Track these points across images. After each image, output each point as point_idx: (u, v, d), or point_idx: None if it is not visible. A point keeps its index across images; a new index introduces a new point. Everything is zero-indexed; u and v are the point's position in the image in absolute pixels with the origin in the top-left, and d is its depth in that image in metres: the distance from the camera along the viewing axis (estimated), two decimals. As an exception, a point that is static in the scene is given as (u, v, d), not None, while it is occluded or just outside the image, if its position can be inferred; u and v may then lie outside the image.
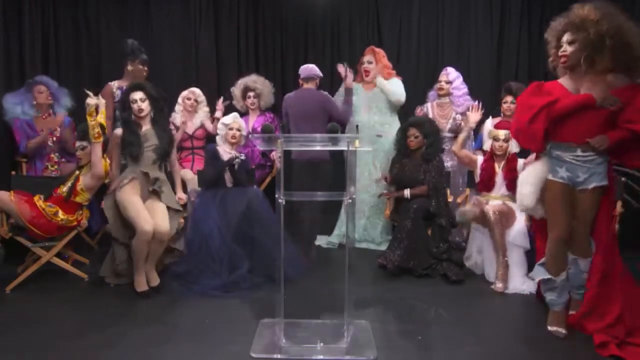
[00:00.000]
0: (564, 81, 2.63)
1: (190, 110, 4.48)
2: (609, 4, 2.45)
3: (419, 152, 3.98)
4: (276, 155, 4.00)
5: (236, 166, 3.68)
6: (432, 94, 4.59)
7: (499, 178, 3.61)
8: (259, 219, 3.55)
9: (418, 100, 4.65)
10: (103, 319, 2.84)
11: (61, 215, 3.41)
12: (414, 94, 4.72)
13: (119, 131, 3.45)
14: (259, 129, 4.61)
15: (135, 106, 3.40)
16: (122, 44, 4.33)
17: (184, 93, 4.50)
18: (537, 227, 2.95)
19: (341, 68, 4.31)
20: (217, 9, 5.10)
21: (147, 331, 2.68)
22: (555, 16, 2.63)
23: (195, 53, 5.09)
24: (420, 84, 4.89)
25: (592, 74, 2.51)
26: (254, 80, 4.74)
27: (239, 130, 3.79)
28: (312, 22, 5.17)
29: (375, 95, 4.55)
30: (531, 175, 2.78)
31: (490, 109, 4.23)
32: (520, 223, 3.45)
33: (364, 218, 4.57)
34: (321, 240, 4.61)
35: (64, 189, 3.46)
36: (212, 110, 4.62)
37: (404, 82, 4.61)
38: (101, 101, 3.70)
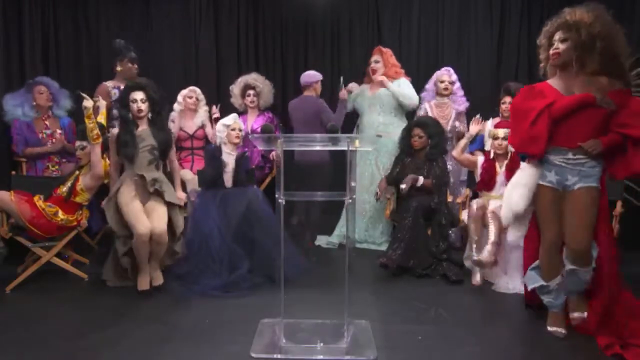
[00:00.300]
0: (554, 82, 2.59)
1: (192, 109, 4.48)
2: (602, 9, 2.45)
3: (422, 152, 3.99)
4: (276, 155, 4.00)
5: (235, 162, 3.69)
6: (428, 94, 4.57)
7: (500, 178, 3.61)
8: (259, 219, 3.55)
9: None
10: (103, 319, 2.84)
11: (61, 215, 3.41)
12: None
13: (115, 130, 3.44)
14: (258, 130, 4.61)
15: (134, 106, 3.39)
16: (111, 45, 4.36)
17: (185, 92, 4.48)
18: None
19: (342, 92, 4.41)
20: (217, 9, 5.10)
21: (147, 331, 2.68)
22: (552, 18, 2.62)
23: (195, 53, 5.09)
24: (420, 84, 4.88)
25: (583, 75, 2.50)
26: (254, 78, 4.73)
27: (240, 130, 3.79)
28: (312, 22, 5.17)
29: (380, 96, 4.53)
30: (523, 178, 2.69)
31: (490, 109, 4.24)
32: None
33: (365, 218, 4.57)
34: (321, 240, 4.61)
35: (64, 189, 3.47)
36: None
37: (405, 82, 4.61)
38: (102, 102, 3.71)
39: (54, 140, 4.21)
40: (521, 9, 5.00)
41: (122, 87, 4.33)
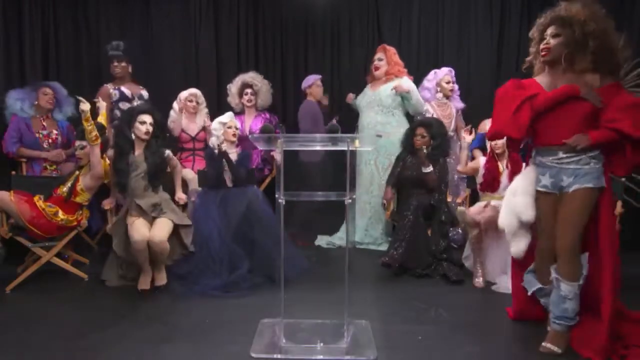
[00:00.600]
0: (541, 79, 2.53)
1: (192, 113, 4.47)
2: (597, 6, 2.39)
3: (422, 153, 3.99)
4: (276, 155, 4.01)
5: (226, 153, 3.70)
6: (430, 94, 4.57)
7: (504, 178, 3.59)
8: (259, 219, 3.55)
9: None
10: (103, 319, 2.84)
11: (61, 215, 3.41)
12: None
13: (110, 153, 3.52)
14: (255, 129, 4.60)
15: (143, 127, 3.42)
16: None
17: (184, 95, 4.44)
18: None
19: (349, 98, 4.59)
20: (217, 9, 5.10)
21: (147, 331, 2.68)
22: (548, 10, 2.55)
23: (195, 53, 5.10)
24: (420, 84, 4.89)
25: (571, 73, 2.43)
26: (252, 76, 4.70)
27: (237, 128, 3.79)
28: (312, 22, 5.18)
29: (380, 96, 4.53)
30: (524, 185, 2.58)
31: (490, 109, 4.21)
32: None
33: (365, 218, 4.57)
34: (321, 241, 4.61)
35: (64, 189, 3.47)
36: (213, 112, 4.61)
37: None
38: (102, 103, 3.71)
39: (50, 141, 4.18)
40: (521, 9, 5.00)
41: (121, 88, 4.33)
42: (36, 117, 4.18)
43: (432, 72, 4.60)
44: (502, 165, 3.61)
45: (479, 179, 3.71)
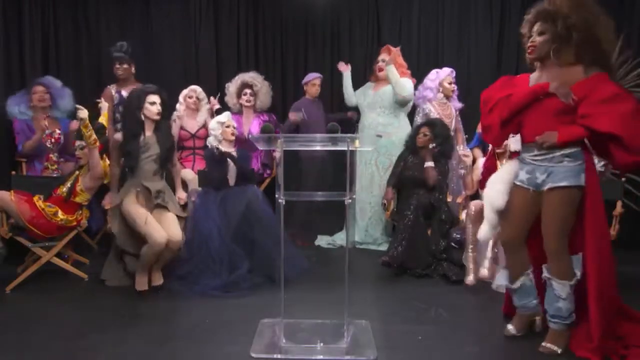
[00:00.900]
0: (534, 75, 2.50)
1: (193, 109, 4.46)
2: None
3: (425, 152, 3.99)
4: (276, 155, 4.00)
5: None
6: (429, 94, 4.57)
7: None
8: (259, 219, 3.55)
9: (418, 101, 4.65)
10: (103, 319, 2.84)
11: (61, 215, 3.41)
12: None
13: (119, 136, 3.36)
14: (254, 132, 4.57)
15: (154, 108, 3.31)
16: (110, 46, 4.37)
17: (185, 91, 4.47)
18: None
19: (342, 66, 4.47)
20: (217, 9, 5.10)
21: (147, 331, 2.68)
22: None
23: (195, 53, 5.10)
24: (421, 84, 4.89)
25: (556, 67, 2.38)
26: (252, 77, 4.67)
27: (234, 127, 3.79)
28: (312, 22, 5.18)
29: (382, 96, 4.53)
30: (501, 174, 2.62)
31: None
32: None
33: (365, 219, 4.57)
34: (321, 241, 4.61)
35: (64, 189, 3.47)
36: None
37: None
38: (104, 104, 3.70)
39: (52, 140, 4.19)
40: (521, 9, 4.98)
41: (122, 91, 4.29)
42: (36, 118, 4.19)
43: (434, 71, 4.60)
44: (501, 164, 3.61)
45: (478, 177, 3.72)
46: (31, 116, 4.19)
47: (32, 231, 3.35)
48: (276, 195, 2.45)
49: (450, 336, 2.62)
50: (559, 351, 2.39)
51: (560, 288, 2.37)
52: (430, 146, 3.91)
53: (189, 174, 4.18)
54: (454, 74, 4.55)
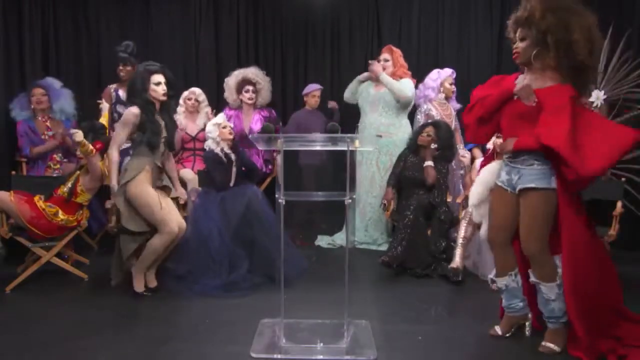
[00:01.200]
0: (521, 76, 2.47)
1: (192, 111, 4.46)
2: None
3: (426, 152, 3.99)
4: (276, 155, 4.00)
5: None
6: (431, 94, 4.56)
7: None
8: (259, 219, 3.55)
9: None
10: (103, 319, 2.84)
11: (61, 215, 3.41)
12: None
13: (136, 110, 3.12)
14: (255, 130, 4.57)
15: (159, 88, 3.15)
16: (112, 46, 4.34)
17: (185, 94, 4.46)
18: None
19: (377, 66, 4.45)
20: (217, 9, 5.11)
21: (147, 331, 2.68)
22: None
23: (195, 53, 5.10)
24: (422, 83, 4.89)
25: (536, 70, 2.37)
26: (254, 73, 4.60)
27: (231, 126, 3.79)
28: (312, 22, 5.18)
29: (384, 95, 4.51)
30: (484, 174, 2.70)
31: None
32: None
33: (365, 219, 4.57)
34: (321, 241, 4.61)
35: (64, 189, 3.47)
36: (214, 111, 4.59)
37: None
38: (105, 104, 3.70)
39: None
40: (521, 9, 4.99)
41: (119, 90, 4.26)
42: (38, 120, 4.20)
43: (435, 71, 4.60)
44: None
45: (475, 175, 3.73)
46: (32, 118, 4.20)
47: (32, 231, 3.35)
48: (276, 195, 2.45)
49: (450, 336, 2.62)
50: (558, 350, 2.40)
51: (548, 290, 2.38)
52: (432, 146, 3.91)
53: (189, 174, 4.18)
54: (454, 75, 4.56)
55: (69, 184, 3.48)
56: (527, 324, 2.61)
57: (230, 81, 4.62)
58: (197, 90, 4.47)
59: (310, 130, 4.52)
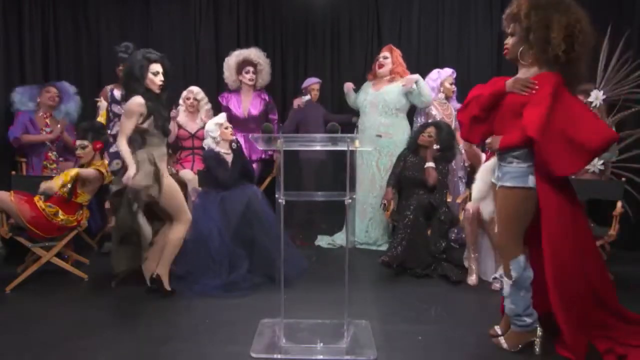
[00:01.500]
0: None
1: (192, 111, 4.46)
2: None
3: (427, 152, 3.99)
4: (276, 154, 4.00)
5: (234, 145, 3.71)
6: (434, 93, 4.56)
7: None
8: (259, 218, 3.55)
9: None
10: (103, 319, 2.84)
11: (61, 215, 3.41)
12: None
13: (140, 100, 3.01)
14: (255, 113, 4.59)
15: (157, 79, 3.08)
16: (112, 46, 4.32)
17: (183, 93, 4.47)
18: None
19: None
20: (217, 9, 5.11)
21: (147, 331, 2.68)
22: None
23: (196, 52, 5.10)
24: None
25: (523, 67, 2.41)
26: (256, 54, 4.60)
27: (232, 127, 3.80)
28: (312, 22, 5.18)
29: (384, 95, 4.50)
30: (481, 171, 2.87)
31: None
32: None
33: (365, 219, 4.57)
34: (321, 241, 4.61)
35: (64, 189, 3.47)
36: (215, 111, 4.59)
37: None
38: (103, 103, 3.70)
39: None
40: (521, 9, 4.99)
41: (114, 90, 4.22)
42: (39, 115, 4.24)
43: (435, 71, 4.60)
44: None
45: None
46: (34, 111, 4.23)
47: (32, 231, 3.35)
48: (276, 195, 2.45)
49: (450, 336, 2.62)
50: (506, 347, 2.46)
51: (505, 286, 2.43)
52: (434, 147, 3.91)
53: (188, 174, 4.18)
54: (454, 75, 4.56)
55: (68, 185, 3.48)
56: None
57: (231, 60, 4.61)
58: (195, 89, 4.47)
59: (310, 123, 4.55)
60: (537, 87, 2.28)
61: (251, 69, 4.58)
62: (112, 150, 3.85)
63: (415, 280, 3.58)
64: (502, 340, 2.50)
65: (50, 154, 4.25)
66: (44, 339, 2.56)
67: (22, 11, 4.71)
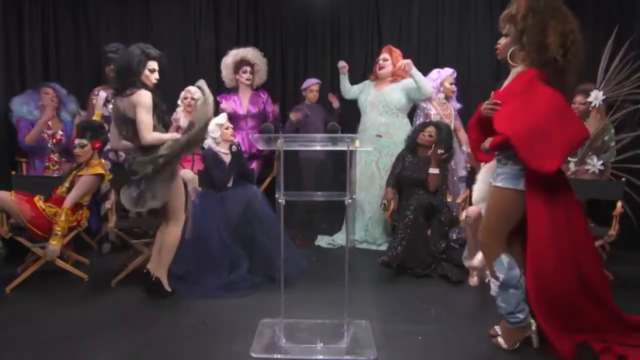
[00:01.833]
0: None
1: (190, 111, 4.46)
2: None
3: (425, 151, 3.98)
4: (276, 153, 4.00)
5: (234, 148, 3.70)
6: (433, 93, 4.56)
7: None
8: (259, 218, 3.55)
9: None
10: (103, 319, 2.84)
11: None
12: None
13: (149, 92, 3.00)
14: (253, 111, 4.60)
15: (153, 76, 3.06)
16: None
17: (181, 94, 4.48)
18: None
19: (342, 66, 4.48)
20: (217, 9, 5.11)
21: (147, 331, 2.68)
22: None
23: (195, 53, 5.10)
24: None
25: (513, 67, 2.43)
26: (254, 54, 4.64)
27: (232, 127, 3.80)
28: (312, 22, 5.18)
29: (384, 95, 4.51)
30: (482, 172, 2.90)
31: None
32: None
33: (365, 219, 4.57)
34: (321, 241, 4.61)
35: (63, 189, 3.47)
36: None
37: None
38: (99, 103, 3.69)
39: (54, 140, 4.22)
40: (521, 9, 4.99)
41: (100, 91, 4.21)
42: (43, 120, 4.21)
43: (435, 71, 4.60)
44: None
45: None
46: (37, 117, 4.22)
47: (32, 231, 3.35)
48: (276, 195, 2.45)
49: (450, 336, 2.62)
50: (505, 347, 2.46)
51: (493, 285, 2.46)
52: (439, 152, 3.89)
53: (188, 174, 4.17)
54: (455, 75, 4.56)
55: (66, 184, 3.48)
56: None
57: (228, 60, 4.65)
58: (192, 88, 4.47)
59: (311, 124, 4.54)
60: (498, 105, 2.34)
61: (248, 68, 4.61)
62: (105, 149, 3.86)
63: (415, 280, 3.58)
64: (501, 340, 2.50)
65: (52, 155, 4.25)
66: (44, 339, 2.56)
67: (22, 11, 4.71)
